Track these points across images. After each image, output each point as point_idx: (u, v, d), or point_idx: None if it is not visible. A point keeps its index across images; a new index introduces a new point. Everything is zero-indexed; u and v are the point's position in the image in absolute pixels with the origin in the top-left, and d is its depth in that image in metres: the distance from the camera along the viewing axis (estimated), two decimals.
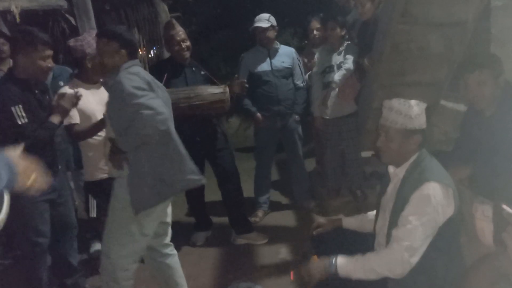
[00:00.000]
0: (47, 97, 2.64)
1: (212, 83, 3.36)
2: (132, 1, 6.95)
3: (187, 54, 3.30)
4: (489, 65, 2.13)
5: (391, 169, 2.03)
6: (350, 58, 3.65)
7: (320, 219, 2.45)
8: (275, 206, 4.23)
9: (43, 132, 2.44)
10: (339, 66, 3.73)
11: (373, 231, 2.08)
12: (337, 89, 3.74)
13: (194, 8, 7.13)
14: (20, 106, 2.36)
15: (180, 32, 3.27)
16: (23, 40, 2.49)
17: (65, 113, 2.54)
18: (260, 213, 4.03)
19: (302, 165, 4.15)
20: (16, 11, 4.65)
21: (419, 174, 1.82)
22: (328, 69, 3.79)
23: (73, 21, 6.15)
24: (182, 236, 3.53)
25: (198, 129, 3.37)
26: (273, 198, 4.29)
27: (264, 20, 3.73)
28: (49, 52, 2.49)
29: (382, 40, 3.10)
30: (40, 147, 2.40)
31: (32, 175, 1.28)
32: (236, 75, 3.54)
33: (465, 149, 2.39)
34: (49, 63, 2.51)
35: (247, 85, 3.38)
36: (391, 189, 1.99)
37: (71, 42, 2.86)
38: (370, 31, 3.36)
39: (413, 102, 1.85)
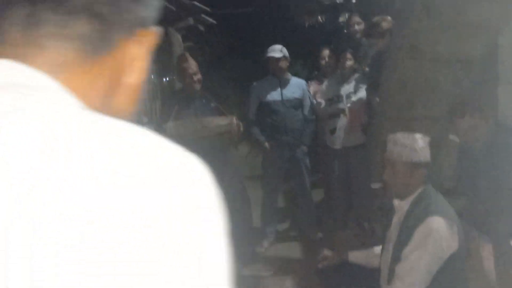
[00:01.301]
0: None
1: (222, 114, 3.42)
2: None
3: (197, 86, 3.38)
4: (480, 108, 2.15)
5: (396, 202, 2.03)
6: (362, 88, 3.71)
7: (326, 252, 2.43)
8: (281, 236, 4.20)
9: None
10: (348, 96, 3.79)
11: (379, 266, 2.06)
12: (345, 119, 3.78)
13: (206, 37, 7.30)
14: None
15: (192, 65, 3.36)
16: None
17: None
18: (266, 243, 4.00)
19: (308, 196, 4.15)
20: None
21: (424, 208, 1.82)
22: (337, 98, 3.85)
23: None
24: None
25: (206, 158, 3.41)
26: (279, 228, 4.26)
27: (277, 50, 3.81)
28: None
29: (390, 74, 3.15)
30: None
31: None
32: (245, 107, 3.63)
33: (462, 183, 2.40)
34: None
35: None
36: (395, 222, 1.99)
37: None
38: (381, 62, 3.41)
39: (417, 135, 1.88)
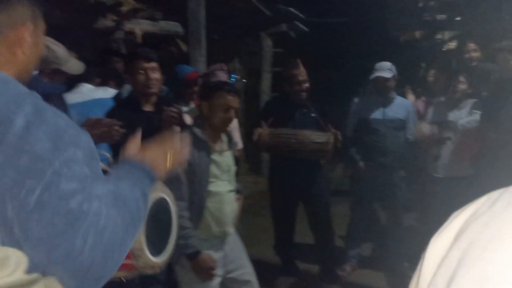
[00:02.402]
0: None
1: (321, 127, 3.28)
2: (239, 34, 7.19)
3: (304, 95, 3.30)
4: None
5: None
6: (475, 115, 3.41)
7: None
8: (365, 263, 3.96)
9: None
10: (458, 122, 3.50)
11: None
12: (453, 146, 3.49)
13: (297, 45, 7.20)
14: (117, 122, 2.33)
15: (303, 72, 3.29)
16: (125, 61, 2.66)
17: (166, 127, 2.39)
18: (348, 267, 3.79)
19: (400, 224, 3.86)
20: (139, 33, 4.97)
21: None
22: (445, 124, 3.56)
23: (182, 47, 6.48)
24: (265, 279, 3.39)
25: (296, 170, 3.31)
26: (363, 252, 4.03)
27: (387, 69, 3.59)
28: (143, 65, 2.43)
29: None
30: None
31: (166, 158, 1.15)
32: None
33: None
34: (148, 76, 2.41)
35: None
36: None
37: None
38: (505, 90, 3.10)
39: None
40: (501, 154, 3.09)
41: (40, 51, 1.03)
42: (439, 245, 0.51)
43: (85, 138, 0.93)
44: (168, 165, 1.15)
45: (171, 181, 2.06)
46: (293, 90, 3.30)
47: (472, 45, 3.97)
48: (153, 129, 2.51)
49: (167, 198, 1.29)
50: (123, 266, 1.08)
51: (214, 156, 2.26)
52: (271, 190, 3.65)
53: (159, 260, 1.21)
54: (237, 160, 2.62)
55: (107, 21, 4.77)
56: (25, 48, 0.97)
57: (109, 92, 3.01)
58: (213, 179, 2.23)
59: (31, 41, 0.97)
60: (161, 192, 1.26)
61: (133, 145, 1.15)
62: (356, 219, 3.86)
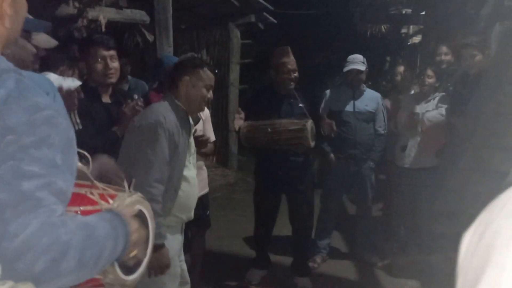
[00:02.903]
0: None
1: (306, 117, 3.18)
2: (206, 24, 7.07)
3: (292, 85, 3.18)
4: None
5: None
6: (442, 108, 3.48)
7: (414, 287, 2.23)
8: (334, 253, 4.00)
9: (99, 141, 2.22)
10: (425, 115, 3.56)
11: None
12: (419, 138, 3.56)
13: (264, 37, 7.15)
14: (75, 112, 2.24)
15: (292, 61, 3.16)
16: (80, 47, 2.49)
17: (127, 122, 2.33)
18: (318, 258, 3.81)
19: (369, 216, 3.93)
20: (103, 21, 4.79)
21: None
22: (412, 115, 3.62)
23: (147, 36, 6.30)
24: (234, 271, 3.38)
25: (280, 162, 3.24)
26: (332, 243, 4.07)
27: (360, 62, 3.61)
28: (102, 53, 2.34)
29: (485, 99, 2.91)
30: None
31: (134, 249, 1.03)
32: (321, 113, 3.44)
33: None
34: (107, 65, 2.34)
35: (335, 128, 3.29)
36: None
37: None
38: (470, 85, 3.18)
39: None
40: (466, 146, 3.17)
41: (22, 21, 0.97)
42: (467, 239, 0.53)
43: (66, 124, 0.88)
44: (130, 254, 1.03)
45: (155, 160, 1.93)
46: (281, 78, 3.18)
47: (443, 48, 4.01)
48: (111, 121, 2.42)
49: (146, 213, 1.16)
50: (88, 281, 0.97)
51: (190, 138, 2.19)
52: (257, 182, 3.52)
53: (130, 278, 1.07)
54: (209, 154, 2.58)
55: (70, 8, 4.56)
56: (6, 20, 0.91)
57: (76, 83, 2.88)
58: (186, 162, 2.14)
59: (12, 12, 0.92)
60: (140, 205, 1.13)
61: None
62: (326, 210, 3.88)
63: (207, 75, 2.13)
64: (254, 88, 7.12)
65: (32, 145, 0.80)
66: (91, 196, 1.04)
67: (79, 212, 0.98)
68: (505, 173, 2.58)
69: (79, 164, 0.95)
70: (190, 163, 2.18)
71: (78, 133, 2.28)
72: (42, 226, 0.77)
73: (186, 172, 2.12)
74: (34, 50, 2.25)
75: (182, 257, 2.32)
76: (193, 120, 2.27)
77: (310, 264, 3.67)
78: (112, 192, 1.09)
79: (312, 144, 3.01)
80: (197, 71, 2.10)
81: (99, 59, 2.32)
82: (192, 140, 2.24)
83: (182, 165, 2.08)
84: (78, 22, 4.65)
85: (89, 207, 1.01)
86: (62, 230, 0.80)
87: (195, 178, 2.23)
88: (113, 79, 2.39)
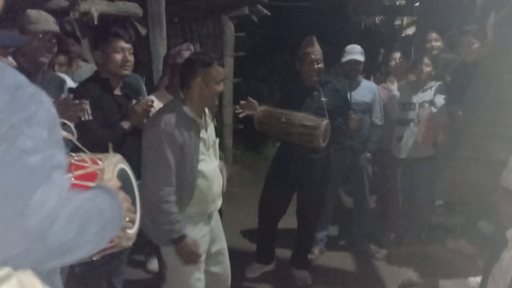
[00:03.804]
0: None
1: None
2: (199, 16, 6.99)
3: (315, 76, 3.07)
4: None
5: (511, 232, 1.81)
6: (440, 97, 3.46)
7: (413, 276, 2.23)
8: (332, 245, 4.00)
9: (106, 133, 2.31)
10: (422, 105, 3.55)
11: None
12: (416, 128, 3.54)
13: (258, 29, 7.10)
14: (87, 102, 2.26)
15: (317, 51, 3.06)
16: (97, 37, 2.48)
17: (137, 119, 2.44)
18: (316, 250, 3.81)
19: (366, 207, 3.92)
20: (95, 14, 4.71)
21: None
22: (409, 105, 3.61)
23: (140, 30, 6.23)
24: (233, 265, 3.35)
25: (297, 158, 3.15)
26: (330, 235, 4.06)
27: (358, 52, 3.59)
28: (122, 45, 2.39)
29: (483, 88, 2.91)
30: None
31: (127, 215, 1.10)
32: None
33: None
34: (125, 57, 2.40)
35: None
36: (510, 258, 1.77)
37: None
38: (467, 74, 3.17)
39: None
40: (464, 135, 3.17)
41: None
42: None
43: (48, 101, 0.87)
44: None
45: (160, 166, 2.03)
46: (304, 69, 3.08)
47: (433, 35, 4.02)
48: (120, 114, 2.43)
49: (126, 168, 1.29)
50: None
51: (202, 133, 2.17)
52: (270, 176, 3.38)
53: (133, 231, 1.19)
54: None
55: (61, 1, 4.48)
56: None
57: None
58: (201, 157, 2.15)
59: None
60: (120, 163, 1.25)
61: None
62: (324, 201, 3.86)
63: (218, 72, 2.12)
64: (247, 81, 7.07)
65: (23, 122, 0.79)
66: (79, 163, 1.13)
67: (72, 178, 1.05)
68: (504, 163, 2.58)
69: (64, 133, 0.95)
70: (208, 156, 2.20)
71: (86, 123, 2.29)
72: (60, 199, 0.79)
73: (202, 166, 2.15)
74: (14, 63, 2.24)
75: (221, 250, 2.40)
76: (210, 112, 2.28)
77: (308, 256, 3.66)
78: (98, 155, 1.20)
79: (323, 144, 2.90)
80: (208, 71, 2.10)
81: (119, 50, 2.37)
82: (209, 134, 2.24)
83: (194, 162, 2.10)
84: (70, 14, 4.58)
85: (80, 171, 1.09)
86: (77, 202, 0.84)
87: (214, 171, 2.24)
88: (128, 72, 2.47)
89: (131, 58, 2.42)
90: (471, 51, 3.21)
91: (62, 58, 3.48)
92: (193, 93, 2.12)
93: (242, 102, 3.09)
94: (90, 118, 2.29)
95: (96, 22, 4.75)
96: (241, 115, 3.07)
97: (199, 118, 2.16)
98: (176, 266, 2.17)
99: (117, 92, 2.48)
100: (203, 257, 2.21)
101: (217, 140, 2.34)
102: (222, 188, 2.34)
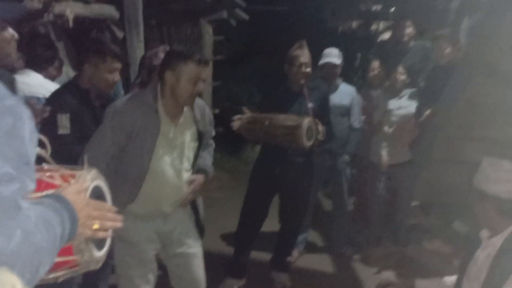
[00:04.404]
0: None
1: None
2: (177, 20, 6.95)
3: (302, 80, 3.06)
4: None
5: (485, 233, 1.84)
6: (412, 103, 3.53)
7: (390, 277, 2.25)
8: (310, 247, 4.01)
9: (82, 148, 2.11)
10: (397, 111, 3.61)
11: None
12: (392, 133, 3.60)
13: (235, 33, 7.10)
14: (68, 115, 2.23)
15: (306, 54, 3.05)
16: (92, 50, 2.39)
17: None
18: (295, 252, 3.81)
19: (344, 209, 3.95)
20: (70, 16, 4.63)
21: None
22: (384, 112, 3.67)
23: (117, 33, 6.15)
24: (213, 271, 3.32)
25: (279, 161, 3.12)
26: (309, 237, 4.07)
27: (336, 56, 3.62)
28: (118, 65, 2.38)
29: (457, 90, 2.97)
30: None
31: (95, 223, 1.04)
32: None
33: None
34: (116, 76, 2.39)
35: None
36: (484, 258, 1.80)
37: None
38: (441, 78, 3.23)
39: None
40: (439, 138, 3.22)
41: None
42: None
43: (26, 114, 0.82)
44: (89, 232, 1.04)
45: (97, 140, 1.99)
46: (292, 72, 3.06)
47: (407, 22, 4.07)
48: (97, 126, 2.36)
49: (102, 186, 1.21)
50: (64, 263, 1.01)
51: (166, 129, 2.06)
52: (253, 178, 3.32)
53: (101, 254, 1.13)
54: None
55: (35, 3, 4.38)
56: None
57: (33, 77, 2.77)
58: (159, 154, 2.05)
59: None
60: (96, 180, 1.17)
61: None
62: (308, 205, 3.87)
63: (191, 69, 2.00)
64: (226, 85, 7.05)
65: (0, 140, 0.74)
66: (50, 181, 1.05)
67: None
68: (477, 164, 2.62)
69: (37, 149, 0.91)
70: (170, 157, 2.10)
71: (63, 137, 2.23)
72: (23, 238, 0.76)
73: (158, 165, 2.06)
74: (15, 34, 2.18)
75: (183, 253, 2.27)
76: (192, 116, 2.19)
77: (287, 258, 3.65)
78: (71, 172, 1.13)
79: (308, 144, 2.83)
80: (181, 65, 2.00)
81: (113, 71, 2.37)
82: (179, 135, 2.13)
83: (144, 156, 2.02)
84: (43, 17, 4.48)
85: (50, 191, 1.01)
86: (38, 237, 0.80)
87: (173, 175, 2.12)
88: (112, 88, 2.52)
89: (118, 78, 2.42)
90: (444, 55, 3.28)
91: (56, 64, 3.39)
92: (165, 86, 2.04)
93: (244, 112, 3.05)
94: (68, 132, 2.24)
95: (71, 25, 4.67)
96: (234, 128, 3.01)
97: (169, 112, 2.06)
98: (119, 258, 2.13)
99: (95, 102, 2.42)
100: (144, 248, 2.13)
101: (194, 145, 2.20)
102: (184, 199, 2.20)
